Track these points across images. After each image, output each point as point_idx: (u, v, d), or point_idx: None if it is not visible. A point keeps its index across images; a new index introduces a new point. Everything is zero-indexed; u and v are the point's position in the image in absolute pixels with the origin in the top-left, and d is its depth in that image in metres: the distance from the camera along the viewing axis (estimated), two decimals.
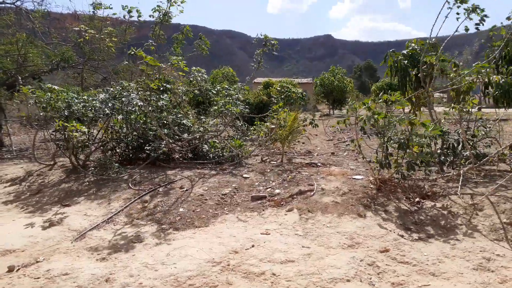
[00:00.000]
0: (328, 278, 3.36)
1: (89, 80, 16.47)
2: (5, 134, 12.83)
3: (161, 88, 7.90)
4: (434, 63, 6.51)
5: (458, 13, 6.11)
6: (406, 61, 7.77)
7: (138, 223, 5.04)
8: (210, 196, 5.69)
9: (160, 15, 7.65)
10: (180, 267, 3.62)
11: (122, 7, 7.70)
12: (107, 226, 5.00)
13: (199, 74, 9.04)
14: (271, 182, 6.17)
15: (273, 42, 8.00)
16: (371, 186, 5.56)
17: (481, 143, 6.62)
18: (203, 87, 9.35)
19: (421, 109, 8.33)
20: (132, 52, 6.55)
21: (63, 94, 7.34)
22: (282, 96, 8.97)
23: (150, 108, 7.20)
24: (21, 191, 6.87)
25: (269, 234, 4.40)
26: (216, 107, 8.16)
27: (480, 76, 6.02)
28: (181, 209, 5.31)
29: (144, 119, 7.64)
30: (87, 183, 6.74)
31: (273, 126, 7.94)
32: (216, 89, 9.44)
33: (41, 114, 7.35)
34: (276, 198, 5.47)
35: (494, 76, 6.42)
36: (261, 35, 8.02)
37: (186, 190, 5.98)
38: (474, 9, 5.97)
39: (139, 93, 7.13)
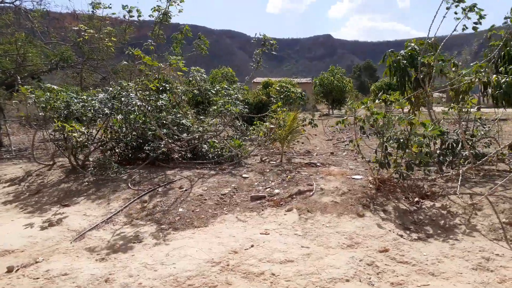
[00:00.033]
0: (327, 278, 3.36)
1: (88, 79, 16.46)
2: (4, 134, 12.81)
3: (160, 88, 7.89)
4: (432, 63, 6.51)
5: (456, 12, 6.11)
6: (405, 61, 7.77)
7: (137, 223, 5.04)
8: (210, 196, 5.69)
9: (160, 14, 7.65)
10: (179, 267, 3.63)
11: (122, 6, 7.71)
12: (106, 226, 5.00)
13: (198, 74, 9.05)
14: (270, 182, 6.17)
15: (272, 42, 8.00)
16: (370, 186, 5.56)
17: (480, 143, 6.63)
18: (202, 87, 9.35)
19: (420, 109, 8.34)
20: (130, 52, 6.55)
21: (62, 94, 7.33)
22: (281, 96, 8.97)
23: (149, 108, 7.20)
24: (20, 191, 6.86)
25: (269, 234, 4.40)
26: (215, 107, 8.16)
27: (479, 76, 6.03)
28: (180, 209, 5.31)
29: (143, 119, 7.63)
30: (87, 183, 6.73)
31: (272, 126, 7.94)
32: (215, 89, 9.44)
33: (40, 114, 7.34)
34: (275, 198, 5.47)
35: (494, 75, 6.42)
36: (260, 35, 8.03)
37: (186, 190, 5.98)
38: (472, 8, 5.98)
39: (138, 93, 7.13)
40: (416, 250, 3.91)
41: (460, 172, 5.34)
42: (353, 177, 6.03)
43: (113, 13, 10.52)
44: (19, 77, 12.47)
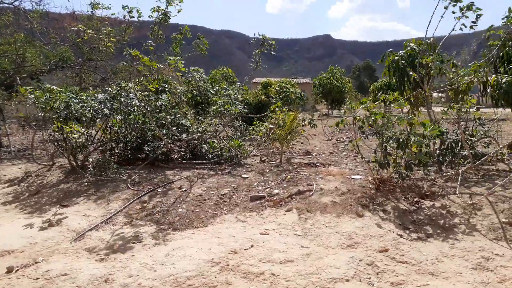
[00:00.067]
0: (327, 278, 3.36)
1: (88, 80, 16.45)
2: (3, 134, 12.80)
3: (160, 88, 7.89)
4: (430, 63, 6.52)
5: (454, 12, 6.13)
6: (404, 61, 7.78)
7: (137, 223, 5.03)
8: (209, 196, 5.69)
9: (159, 15, 7.65)
10: (179, 268, 3.62)
11: (123, 7, 7.72)
12: (106, 226, 5.00)
13: (198, 74, 9.05)
14: (270, 182, 6.17)
15: (270, 42, 8.00)
16: (370, 186, 5.56)
17: (479, 143, 6.64)
18: (202, 87, 9.35)
19: (420, 109, 8.35)
20: (128, 53, 6.56)
21: (62, 94, 7.33)
22: (281, 96, 8.97)
23: (148, 108, 7.19)
24: (19, 191, 6.85)
25: (268, 234, 4.40)
26: (214, 107, 8.17)
27: (478, 76, 6.03)
28: (180, 210, 5.31)
29: (142, 119, 7.63)
30: (86, 183, 6.73)
31: (272, 126, 7.94)
32: (214, 89, 9.44)
33: (39, 114, 7.34)
34: (275, 198, 5.47)
35: (493, 75, 6.43)
36: (259, 35, 8.03)
37: (185, 190, 5.98)
38: (470, 7, 5.99)
39: (137, 93, 7.13)
40: (415, 250, 3.91)
41: (460, 172, 5.34)
42: (352, 177, 6.03)
43: (113, 14, 10.52)
44: (18, 78, 12.46)
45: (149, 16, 7.70)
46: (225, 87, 9.48)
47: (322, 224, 4.61)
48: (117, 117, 7.55)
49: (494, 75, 6.37)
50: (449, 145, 6.15)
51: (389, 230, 4.37)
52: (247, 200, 5.52)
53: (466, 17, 6.01)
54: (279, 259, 3.74)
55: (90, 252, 4.22)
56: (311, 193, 5.47)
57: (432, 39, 7.24)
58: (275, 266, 3.60)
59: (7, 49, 12.84)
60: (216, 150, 7.99)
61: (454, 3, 6.07)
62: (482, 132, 6.32)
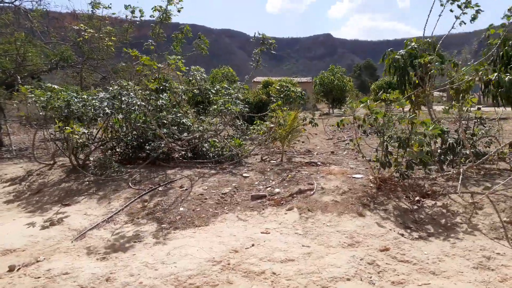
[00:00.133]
0: (328, 277, 3.36)
1: (88, 79, 16.46)
2: (4, 133, 12.82)
3: (161, 87, 7.89)
4: (429, 63, 6.52)
5: (452, 10, 6.13)
6: (403, 60, 7.78)
7: (138, 222, 5.04)
8: (210, 195, 5.70)
9: (161, 14, 7.65)
10: (180, 266, 3.63)
11: (125, 6, 7.72)
12: (107, 225, 5.00)
13: (198, 73, 9.04)
14: (271, 181, 6.18)
15: (270, 41, 8.00)
16: (371, 185, 5.56)
17: (481, 142, 6.63)
18: (203, 86, 9.35)
19: (421, 108, 8.34)
20: (127, 53, 6.56)
21: (63, 93, 7.34)
22: (281, 95, 8.96)
23: (150, 107, 7.20)
24: (21, 190, 6.86)
25: (269, 233, 4.40)
26: (215, 106, 8.17)
27: (480, 75, 6.03)
28: (181, 209, 5.32)
29: (143, 118, 7.63)
30: (87, 182, 6.74)
31: (272, 125, 7.94)
32: (215, 89, 9.44)
33: (40, 113, 7.34)
34: (276, 197, 5.47)
35: (495, 74, 6.42)
36: (259, 34, 8.02)
37: (186, 189, 5.99)
38: (468, 4, 5.99)
39: (137, 93, 7.13)
40: (417, 249, 3.91)
41: (461, 171, 5.34)
42: (353, 176, 6.03)
43: (113, 13, 10.52)
44: (19, 77, 12.47)
45: (150, 16, 7.70)
46: (226, 86, 9.48)
47: (323, 223, 4.61)
48: (119, 116, 7.55)
49: (495, 74, 6.36)
50: (450, 144, 6.14)
51: (390, 229, 4.37)
52: (248, 199, 5.52)
53: (465, 13, 6.02)
54: (280, 258, 3.74)
55: (91, 251, 4.23)
56: (312, 192, 5.47)
57: (434, 38, 7.24)
58: (276, 265, 3.60)
59: (8, 48, 12.84)
60: (217, 149, 7.99)
61: (452, 1, 6.07)
62: (483, 131, 6.31)
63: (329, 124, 13.85)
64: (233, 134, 9.74)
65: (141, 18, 7.84)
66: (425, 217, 4.65)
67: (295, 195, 5.48)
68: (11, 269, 3.80)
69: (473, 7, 5.98)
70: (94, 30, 8.15)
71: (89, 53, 13.70)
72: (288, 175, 6.31)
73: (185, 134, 7.74)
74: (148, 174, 6.88)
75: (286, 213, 4.94)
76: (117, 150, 8.09)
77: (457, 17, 6.10)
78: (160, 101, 7.73)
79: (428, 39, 7.22)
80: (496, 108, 7.77)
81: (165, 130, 7.46)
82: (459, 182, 5.11)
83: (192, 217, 5.03)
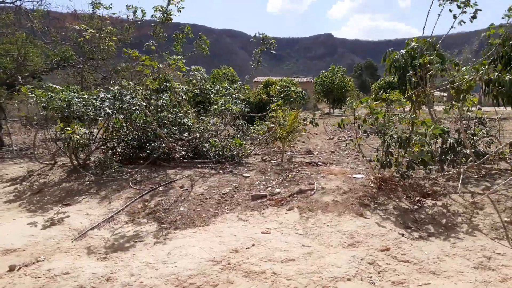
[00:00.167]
0: (328, 277, 3.36)
1: (89, 79, 16.47)
2: (5, 133, 12.84)
3: (161, 87, 7.89)
4: (429, 63, 6.51)
5: (451, 10, 6.12)
6: (404, 60, 7.78)
7: (138, 222, 5.04)
8: (211, 195, 5.70)
9: (161, 14, 7.65)
10: (180, 266, 3.63)
11: (127, 6, 7.72)
12: (107, 225, 5.01)
13: (199, 73, 9.04)
14: (271, 181, 6.17)
15: (271, 40, 8.00)
16: (372, 185, 5.56)
17: (481, 142, 6.62)
18: (203, 86, 9.35)
19: (421, 107, 8.33)
20: (127, 54, 6.56)
21: (64, 93, 7.34)
22: (282, 95, 8.97)
23: (150, 107, 7.20)
24: (21, 190, 6.87)
25: (270, 233, 4.40)
26: (216, 106, 8.17)
27: (481, 74, 6.02)
28: (181, 208, 5.32)
29: (144, 118, 7.64)
30: (88, 182, 6.74)
31: (272, 125, 7.94)
32: (215, 89, 9.44)
33: (41, 113, 7.35)
34: (276, 197, 5.47)
35: (495, 73, 6.41)
36: (259, 34, 8.03)
37: (187, 189, 5.99)
38: (467, 2, 5.99)
39: (138, 93, 7.14)
40: (417, 249, 3.91)
41: (461, 171, 5.33)
42: (354, 176, 6.03)
43: (114, 13, 10.51)
44: (20, 77, 12.48)
45: (151, 16, 7.69)
46: (227, 86, 9.48)
47: (323, 223, 4.60)
48: (119, 116, 7.55)
49: (496, 73, 6.36)
50: (451, 144, 6.14)
51: (391, 229, 4.37)
52: (248, 199, 5.52)
53: (464, 12, 6.02)
54: (280, 258, 3.74)
55: (91, 250, 4.23)
56: (312, 192, 5.47)
57: (434, 38, 7.23)
58: (277, 265, 3.60)
59: (9, 48, 12.86)
60: (217, 149, 8.00)
61: (451, 1, 6.07)
62: (484, 131, 6.30)
63: (330, 124, 13.84)
64: (234, 134, 9.74)
65: (142, 18, 7.84)
66: (425, 217, 4.65)
67: (295, 195, 5.48)
68: (12, 269, 3.80)
69: (472, 6, 5.97)
70: (95, 30, 8.15)
71: (90, 53, 13.71)
72: (288, 175, 6.31)
73: (186, 134, 7.75)
74: (149, 174, 6.88)
75: (286, 213, 4.94)
76: (118, 150, 8.10)
77: (455, 16, 6.09)
78: (161, 101, 7.73)
79: (429, 39, 7.22)
80: (496, 108, 7.76)
81: (165, 130, 7.47)
82: (460, 182, 5.11)
83: (193, 217, 5.04)
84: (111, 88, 8.00)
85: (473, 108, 6.06)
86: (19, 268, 3.83)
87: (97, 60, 14.14)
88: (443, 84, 7.62)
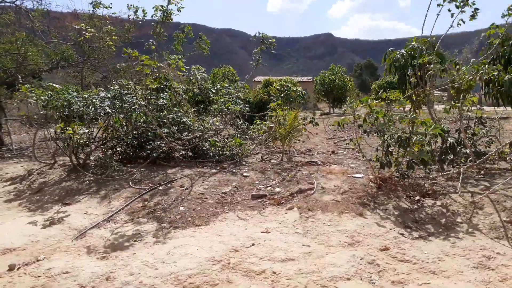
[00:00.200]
0: (328, 276, 3.36)
1: (89, 79, 16.46)
2: (5, 133, 12.84)
3: (161, 87, 7.89)
4: (428, 63, 6.51)
5: (449, 10, 6.12)
6: (404, 60, 7.78)
7: (138, 221, 5.04)
8: (210, 194, 5.70)
9: (162, 13, 7.65)
10: (180, 266, 3.63)
11: (128, 6, 7.72)
12: (107, 224, 5.01)
13: (199, 73, 9.04)
14: (271, 180, 6.18)
15: (270, 40, 8.00)
16: (371, 184, 5.56)
17: (481, 141, 6.63)
18: (203, 85, 9.35)
19: (421, 107, 8.33)
20: (127, 54, 6.56)
21: (64, 93, 7.34)
22: (282, 95, 8.96)
23: (150, 107, 7.19)
24: (21, 189, 6.87)
25: (270, 232, 4.40)
26: (216, 106, 8.16)
27: (479, 74, 6.02)
28: (181, 208, 5.32)
29: (144, 118, 7.64)
30: (88, 181, 6.74)
31: (272, 125, 7.94)
32: (215, 88, 9.43)
33: (41, 112, 7.35)
34: (276, 197, 5.47)
35: (495, 73, 6.41)
36: (259, 34, 8.03)
37: (186, 188, 5.99)
38: (466, 2, 5.99)
39: (138, 93, 7.13)
40: (417, 248, 3.91)
41: (461, 170, 5.34)
42: (354, 175, 6.03)
43: (114, 13, 10.50)
44: (20, 76, 12.47)
45: (152, 16, 7.69)
46: (226, 85, 9.48)
47: (323, 222, 4.61)
48: (120, 116, 7.55)
49: (495, 73, 6.36)
50: (451, 144, 6.14)
51: (390, 229, 4.37)
52: (248, 199, 5.52)
53: (463, 11, 6.02)
54: (280, 257, 3.75)
55: (91, 250, 4.23)
56: (312, 192, 5.47)
57: (434, 37, 7.23)
58: (276, 265, 3.60)
59: (9, 47, 12.85)
60: (217, 148, 8.00)
61: (450, 0, 6.07)
62: (483, 131, 6.30)
63: (330, 124, 13.83)
64: (234, 134, 9.74)
65: (143, 18, 7.84)
66: (425, 217, 4.65)
67: (295, 195, 5.48)
68: (11, 268, 3.80)
69: (471, 6, 5.98)
70: (95, 30, 8.15)
71: (90, 53, 13.71)
72: (288, 175, 6.31)
73: (186, 133, 7.75)
74: (149, 173, 6.88)
75: (286, 213, 4.94)
76: (118, 149, 8.10)
77: (453, 15, 6.09)
78: (161, 101, 7.73)
79: (429, 38, 7.22)
80: (496, 107, 7.76)
81: (165, 129, 7.47)
82: (460, 182, 5.11)
83: (193, 217, 5.04)
84: (111, 87, 8.00)
85: (473, 108, 6.06)
86: (19, 268, 3.83)
87: (97, 60, 14.13)
88: (443, 84, 7.62)
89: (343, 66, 35.43)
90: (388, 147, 5.25)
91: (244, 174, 6.52)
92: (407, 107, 8.53)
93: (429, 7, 6.20)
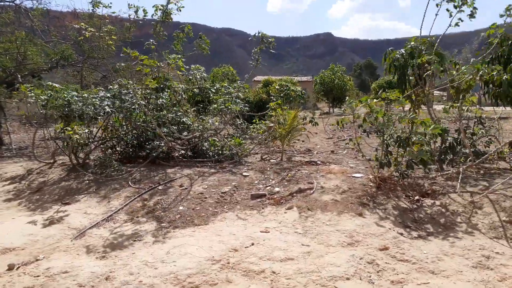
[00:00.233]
0: (327, 276, 3.37)
1: (89, 78, 16.46)
2: (4, 132, 12.83)
3: (161, 86, 7.89)
4: (427, 63, 6.51)
5: (448, 9, 6.13)
6: (403, 60, 7.79)
7: (138, 221, 5.04)
8: (210, 194, 5.70)
9: (162, 12, 7.64)
10: (179, 265, 3.63)
11: (128, 5, 7.72)
12: (107, 224, 5.01)
13: (199, 72, 9.04)
14: (270, 180, 6.18)
15: (270, 39, 8.00)
16: (371, 184, 5.56)
17: (480, 141, 6.63)
18: (203, 85, 9.35)
19: (421, 107, 8.34)
20: (127, 53, 6.57)
21: (64, 93, 7.34)
22: (282, 95, 8.97)
23: (150, 106, 7.19)
24: (21, 189, 6.87)
25: (269, 232, 4.40)
26: (215, 105, 8.16)
27: (478, 74, 6.03)
28: (180, 207, 5.32)
29: (143, 117, 7.63)
30: (87, 181, 6.74)
31: (271, 124, 7.94)
32: (215, 88, 9.43)
33: (40, 112, 7.35)
34: (275, 196, 5.47)
35: (493, 73, 6.42)
36: (259, 33, 8.03)
37: (186, 188, 5.99)
38: (464, 1, 5.99)
39: (137, 92, 7.13)
40: (416, 248, 3.91)
41: (461, 170, 5.34)
42: (353, 175, 6.03)
43: (113, 12, 10.49)
44: (19, 76, 12.47)
45: (152, 16, 7.69)
46: (226, 85, 9.48)
47: (322, 222, 4.61)
48: (119, 116, 7.55)
49: (493, 73, 6.36)
50: (450, 144, 6.15)
51: (390, 229, 4.37)
52: (247, 198, 5.52)
53: (462, 11, 6.02)
54: (279, 257, 3.75)
55: (91, 249, 4.23)
56: (312, 191, 5.47)
57: (433, 37, 7.23)
58: (276, 264, 3.61)
59: (8, 47, 12.84)
60: (217, 148, 8.00)
61: (448, 0, 6.08)
62: (483, 131, 6.31)
63: (329, 123, 13.84)
64: (233, 133, 9.74)
65: (144, 17, 7.84)
66: (424, 217, 4.65)
67: (295, 194, 5.48)
68: (11, 267, 3.80)
69: (470, 5, 5.98)
70: (95, 29, 8.15)
71: (90, 52, 13.69)
72: (288, 174, 6.31)
73: (185, 133, 7.75)
74: (148, 173, 6.88)
75: (285, 212, 4.94)
76: (117, 149, 8.10)
77: (451, 15, 6.09)
78: (160, 100, 7.72)
79: (428, 38, 7.22)
80: (495, 107, 7.77)
81: (165, 129, 7.47)
82: (459, 182, 5.11)
83: (192, 216, 5.04)
84: (111, 87, 7.99)
85: (473, 107, 6.06)
86: (18, 267, 3.83)
87: (97, 59, 14.12)
88: (443, 84, 7.62)
89: (343, 66, 35.43)
90: (387, 147, 5.26)
91: (244, 173, 6.53)
92: (407, 107, 8.53)
93: (427, 6, 6.21)
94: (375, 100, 5.28)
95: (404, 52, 7.86)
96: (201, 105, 9.90)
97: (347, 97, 29.84)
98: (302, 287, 3.24)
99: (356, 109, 5.43)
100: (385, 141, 5.23)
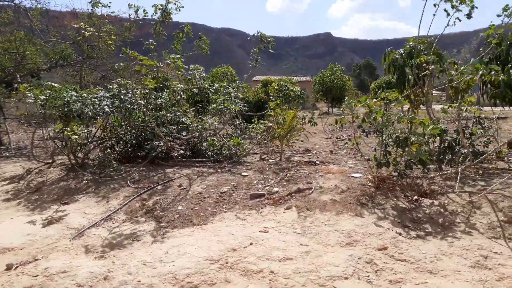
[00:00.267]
0: (326, 275, 3.37)
1: (88, 78, 16.46)
2: (3, 132, 12.81)
3: (160, 86, 7.89)
4: (426, 63, 6.52)
5: (445, 10, 6.14)
6: (403, 60, 7.80)
7: (136, 221, 5.04)
8: (209, 194, 5.70)
9: (161, 12, 7.64)
10: (178, 265, 3.63)
11: (129, 5, 7.71)
12: (105, 224, 5.01)
13: (198, 72, 9.04)
14: (269, 180, 6.18)
15: (269, 39, 8.00)
16: (370, 184, 5.57)
17: (479, 141, 6.64)
18: (202, 85, 9.35)
19: (420, 107, 8.35)
20: (126, 53, 6.57)
21: (63, 93, 7.34)
22: (281, 95, 8.97)
23: (149, 106, 7.19)
24: (19, 189, 6.86)
25: (268, 232, 4.40)
26: (214, 105, 8.16)
27: (477, 74, 6.04)
28: (179, 207, 5.32)
29: (143, 117, 7.63)
30: (86, 181, 6.74)
31: (270, 124, 7.95)
32: (214, 88, 9.43)
33: (40, 111, 7.34)
34: (274, 196, 5.48)
35: (492, 73, 6.43)
36: (258, 33, 8.03)
37: (185, 188, 5.99)
38: (463, 0, 6.00)
39: (136, 92, 7.13)
40: (414, 248, 3.92)
41: (459, 170, 5.35)
42: (352, 175, 6.04)
43: (112, 12, 10.48)
44: (18, 75, 12.46)
45: (151, 15, 7.69)
46: (225, 85, 9.48)
47: (321, 222, 4.61)
48: (119, 116, 7.54)
49: (492, 73, 6.38)
50: (449, 144, 6.15)
51: (388, 228, 4.38)
52: (246, 198, 5.53)
53: (460, 10, 6.02)
54: (278, 257, 3.75)
55: (89, 249, 4.23)
56: (310, 191, 5.48)
57: (432, 37, 7.24)
58: (274, 264, 3.61)
59: (7, 46, 12.83)
60: (216, 148, 8.00)
61: (446, 0, 6.09)
62: (482, 131, 6.31)
63: (328, 123, 13.84)
64: (232, 133, 9.74)
65: (144, 17, 7.84)
66: (423, 216, 4.66)
67: (293, 194, 5.48)
68: (9, 267, 3.80)
69: (468, 5, 5.99)
70: (94, 29, 8.14)
71: (89, 52, 13.70)
72: (286, 174, 6.31)
73: (184, 133, 7.75)
74: (147, 173, 6.88)
75: (284, 212, 4.94)
76: (116, 149, 8.09)
77: (449, 15, 6.10)
78: (160, 100, 7.72)
79: (428, 39, 7.24)
80: (493, 107, 7.78)
81: (164, 129, 7.47)
82: (457, 182, 5.12)
83: (191, 216, 5.04)
84: (110, 86, 7.99)
85: (471, 107, 6.07)
86: (17, 267, 3.83)
87: (96, 59, 14.12)
88: (441, 84, 7.64)
89: (343, 66, 35.48)
90: (386, 147, 5.26)
91: (243, 173, 6.53)
92: (406, 107, 8.54)
93: (424, 6, 6.22)
94: (374, 100, 5.29)
95: (403, 52, 7.87)
96: (200, 105, 9.89)
97: (346, 97, 29.81)
98: (301, 287, 3.25)
99: (355, 109, 5.44)
100: (384, 141, 5.24)
